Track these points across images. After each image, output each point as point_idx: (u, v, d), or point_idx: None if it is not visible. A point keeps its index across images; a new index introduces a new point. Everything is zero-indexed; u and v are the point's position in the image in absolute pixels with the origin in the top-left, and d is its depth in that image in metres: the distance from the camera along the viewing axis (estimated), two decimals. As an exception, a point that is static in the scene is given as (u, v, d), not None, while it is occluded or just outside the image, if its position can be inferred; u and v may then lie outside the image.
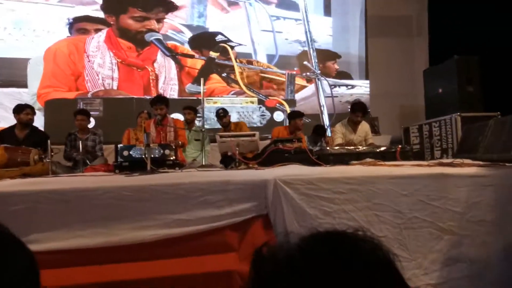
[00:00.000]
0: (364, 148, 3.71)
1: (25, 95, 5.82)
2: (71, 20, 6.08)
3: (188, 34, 6.55)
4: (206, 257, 1.72)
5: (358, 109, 4.42)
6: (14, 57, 5.87)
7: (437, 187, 2.05)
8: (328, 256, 0.47)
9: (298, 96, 6.79)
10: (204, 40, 6.59)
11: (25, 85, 5.85)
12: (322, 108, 6.82)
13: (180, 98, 6.21)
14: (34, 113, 4.13)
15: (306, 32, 6.92)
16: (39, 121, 5.00)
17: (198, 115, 4.95)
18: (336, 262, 0.46)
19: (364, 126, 4.57)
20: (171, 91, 6.22)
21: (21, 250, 0.56)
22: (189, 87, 6.38)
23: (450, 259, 2.01)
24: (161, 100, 3.99)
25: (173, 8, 6.40)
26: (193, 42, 6.55)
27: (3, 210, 1.64)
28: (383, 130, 6.42)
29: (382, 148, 3.62)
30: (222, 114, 4.77)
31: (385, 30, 6.89)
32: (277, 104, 6.59)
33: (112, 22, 6.18)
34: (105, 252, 1.70)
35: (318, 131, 5.07)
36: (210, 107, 6.11)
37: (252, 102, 6.51)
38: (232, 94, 6.53)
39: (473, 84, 4.87)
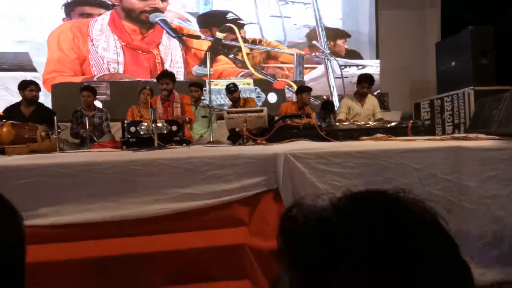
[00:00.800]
0: (374, 123, 3.65)
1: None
2: (68, 1, 5.91)
3: (194, 22, 6.38)
4: (216, 231, 1.70)
5: (364, 80, 4.37)
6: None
7: (451, 161, 1.99)
8: (369, 217, 0.42)
9: (307, 77, 6.65)
10: (213, 18, 6.42)
11: (32, 69, 5.78)
12: (332, 89, 6.68)
13: (186, 80, 6.11)
14: (39, 90, 4.09)
15: (314, 10, 6.70)
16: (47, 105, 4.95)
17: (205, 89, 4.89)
18: (379, 224, 0.41)
19: (372, 100, 4.53)
20: (178, 74, 6.08)
21: (12, 216, 0.53)
22: (196, 69, 6.28)
23: (460, 234, 1.98)
24: (166, 75, 3.92)
25: None
26: (202, 22, 6.39)
27: (11, 184, 1.63)
28: (393, 106, 6.30)
29: (393, 124, 3.55)
30: (232, 88, 4.69)
31: (395, 1, 6.65)
32: (286, 86, 6.46)
33: (116, 3, 6.03)
34: (113, 226, 1.69)
35: (327, 107, 4.99)
36: (217, 89, 6.03)
37: (248, 84, 6.39)
38: (241, 76, 6.41)
39: (487, 57, 4.71)
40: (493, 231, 2.01)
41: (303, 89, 4.75)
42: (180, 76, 6.18)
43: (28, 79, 4.23)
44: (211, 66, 6.19)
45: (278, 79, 6.51)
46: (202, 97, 4.80)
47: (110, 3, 6.06)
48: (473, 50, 4.74)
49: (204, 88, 4.87)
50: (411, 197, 0.46)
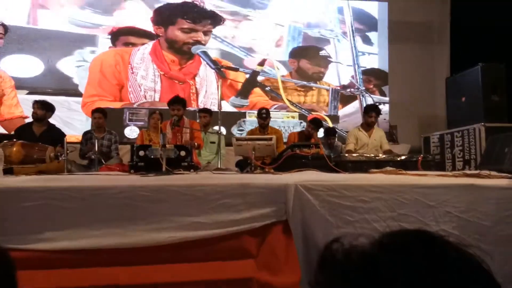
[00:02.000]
0: (383, 156, 3.62)
1: (73, 104, 5.98)
2: (114, 30, 6.23)
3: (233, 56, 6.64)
4: (223, 263, 1.65)
5: (371, 109, 4.43)
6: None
7: (466, 199, 1.94)
8: (415, 252, 0.41)
9: (341, 112, 6.73)
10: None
11: (74, 94, 6.01)
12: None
13: (223, 111, 6.29)
14: (45, 109, 4.11)
15: (352, 48, 6.85)
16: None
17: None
18: (425, 259, 0.40)
19: (379, 131, 4.57)
20: (212, 105, 6.29)
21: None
22: (233, 100, 6.47)
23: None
24: (178, 101, 3.96)
25: (221, 21, 6.52)
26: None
27: (17, 206, 1.60)
28: (401, 139, 6.28)
29: (403, 157, 3.51)
30: (264, 114, 4.72)
31: (405, 36, 6.76)
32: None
33: (160, 34, 6.34)
34: (118, 254, 1.65)
35: (329, 133, 5.02)
36: (252, 120, 6.20)
37: (293, 117, 6.54)
38: (275, 108, 6.55)
39: (498, 93, 4.71)
40: (508, 272, 1.94)
41: (332, 132, 4.85)
42: (214, 107, 6.36)
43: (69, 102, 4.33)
44: (245, 97, 6.36)
45: (312, 113, 6.57)
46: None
47: (155, 33, 6.37)
48: (484, 86, 4.76)
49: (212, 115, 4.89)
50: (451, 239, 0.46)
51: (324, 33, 6.89)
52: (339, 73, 6.88)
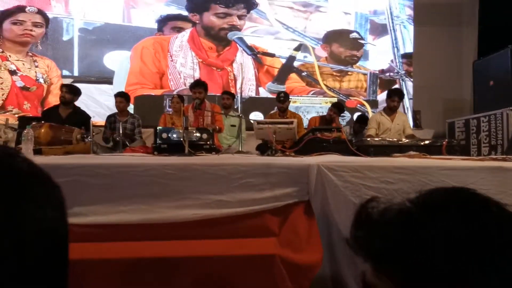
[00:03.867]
0: (406, 140, 3.56)
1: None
2: (160, 18, 6.34)
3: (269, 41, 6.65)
4: (246, 240, 1.68)
5: (394, 93, 4.38)
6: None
7: (494, 181, 1.89)
8: (453, 207, 0.41)
9: (380, 97, 6.60)
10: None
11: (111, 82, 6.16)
12: (406, 110, 6.56)
13: (257, 96, 6.39)
14: (71, 92, 4.21)
15: (390, 31, 6.72)
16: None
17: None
18: (464, 214, 0.40)
19: (402, 115, 4.51)
20: (249, 91, 6.36)
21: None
22: (270, 85, 6.49)
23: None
24: (199, 84, 3.99)
25: (254, 4, 6.52)
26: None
27: (49, 182, 1.66)
28: (425, 124, 6.14)
29: (427, 141, 3.45)
30: (282, 98, 4.71)
31: (432, 18, 6.54)
32: (358, 105, 6.45)
33: (197, 21, 6.41)
34: (145, 229, 1.70)
35: (362, 121, 4.93)
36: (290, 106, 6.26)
37: (331, 102, 6.46)
38: (312, 94, 6.52)
39: (528, 77, 4.54)
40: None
41: (364, 120, 4.80)
42: (251, 93, 6.47)
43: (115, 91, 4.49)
44: (282, 83, 6.37)
45: (350, 97, 6.49)
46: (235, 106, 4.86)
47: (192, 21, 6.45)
48: (513, 70, 4.59)
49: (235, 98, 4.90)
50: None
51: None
52: (379, 57, 6.76)
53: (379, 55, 6.73)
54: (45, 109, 4.43)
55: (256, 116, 6.05)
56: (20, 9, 5.96)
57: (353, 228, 0.47)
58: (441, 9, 6.56)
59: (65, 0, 6.13)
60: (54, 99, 5.90)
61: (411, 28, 6.80)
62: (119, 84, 6.09)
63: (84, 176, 1.70)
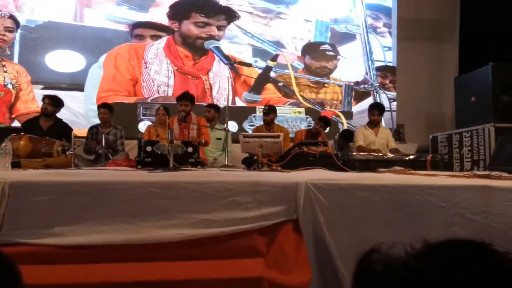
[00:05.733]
0: (391, 155, 3.59)
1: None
2: (131, 27, 6.27)
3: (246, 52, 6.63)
4: (233, 261, 1.63)
5: (374, 107, 4.49)
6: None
7: (479, 200, 1.90)
8: (467, 265, 0.38)
9: (355, 109, 6.68)
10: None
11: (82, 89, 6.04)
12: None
13: (233, 106, 6.33)
14: (54, 104, 4.12)
15: (365, 44, 6.81)
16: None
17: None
18: (480, 271, 0.37)
19: (385, 130, 4.61)
20: (224, 101, 6.29)
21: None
22: (246, 95, 6.47)
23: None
24: (186, 97, 3.95)
25: (235, 17, 6.52)
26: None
27: (26, 201, 1.59)
28: (408, 138, 6.23)
29: (411, 156, 3.48)
30: (265, 111, 4.72)
31: (413, 33, 6.69)
32: (333, 116, 6.48)
33: (175, 29, 6.36)
34: (127, 250, 1.63)
35: (347, 136, 4.96)
36: (261, 115, 6.18)
37: (300, 112, 6.50)
38: (289, 105, 6.53)
39: (508, 93, 4.66)
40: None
41: (350, 137, 4.80)
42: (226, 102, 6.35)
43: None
44: (258, 93, 6.35)
45: (325, 109, 6.52)
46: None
47: (170, 28, 6.39)
48: (494, 86, 4.71)
49: (219, 111, 4.87)
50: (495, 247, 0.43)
51: (351, 28, 6.85)
52: (353, 69, 6.82)
53: (350, 66, 6.81)
54: (25, 120, 4.30)
55: (231, 125, 6.00)
56: (-11, 13, 5.83)
57: (355, 282, 0.44)
58: (423, 24, 6.72)
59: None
60: (22, 106, 5.81)
61: (383, 40, 6.92)
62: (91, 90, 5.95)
63: (64, 195, 1.63)
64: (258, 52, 6.59)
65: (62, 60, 6.00)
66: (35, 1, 6.03)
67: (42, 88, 5.85)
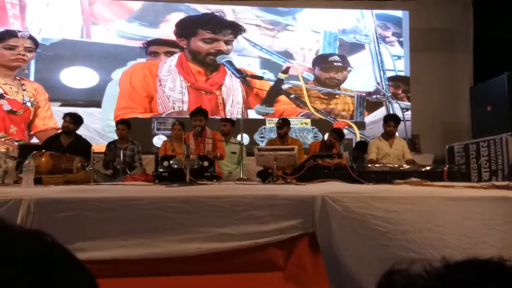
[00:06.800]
0: (407, 166, 3.55)
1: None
2: (145, 44, 6.45)
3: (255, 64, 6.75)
4: (251, 275, 1.64)
5: (390, 118, 4.43)
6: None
7: (501, 211, 1.87)
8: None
9: (367, 119, 6.65)
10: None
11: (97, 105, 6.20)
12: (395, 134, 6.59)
13: (244, 118, 6.39)
14: (75, 122, 4.23)
15: (376, 54, 6.82)
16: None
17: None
18: None
19: (400, 141, 4.53)
20: (237, 114, 6.36)
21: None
22: (258, 108, 6.53)
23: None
24: (200, 112, 4.01)
25: (241, 31, 6.63)
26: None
27: (51, 217, 1.64)
28: (424, 148, 6.15)
29: (428, 167, 3.44)
30: (278, 125, 4.75)
31: (426, 43, 6.66)
32: (346, 127, 6.47)
33: (184, 46, 6.51)
34: (146, 264, 1.66)
35: (361, 147, 4.93)
36: (271, 127, 6.26)
37: (306, 123, 6.52)
38: (301, 116, 6.56)
39: (525, 102, 4.59)
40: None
41: (364, 148, 4.76)
42: (240, 116, 6.46)
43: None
44: (270, 106, 6.40)
45: (338, 119, 6.53)
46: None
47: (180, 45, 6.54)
48: (510, 95, 4.64)
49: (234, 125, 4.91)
50: None
51: (359, 38, 6.87)
52: (363, 79, 6.81)
53: (360, 76, 6.79)
54: (47, 138, 4.42)
55: (243, 138, 6.06)
56: (10, 33, 6.05)
57: None
58: (436, 34, 6.69)
59: (21, 16, 6.18)
60: (41, 122, 5.96)
61: (392, 49, 6.90)
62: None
63: (86, 211, 1.68)
64: (266, 64, 6.66)
65: (77, 77, 6.19)
66: (43, 20, 6.23)
67: (60, 106, 6.03)
